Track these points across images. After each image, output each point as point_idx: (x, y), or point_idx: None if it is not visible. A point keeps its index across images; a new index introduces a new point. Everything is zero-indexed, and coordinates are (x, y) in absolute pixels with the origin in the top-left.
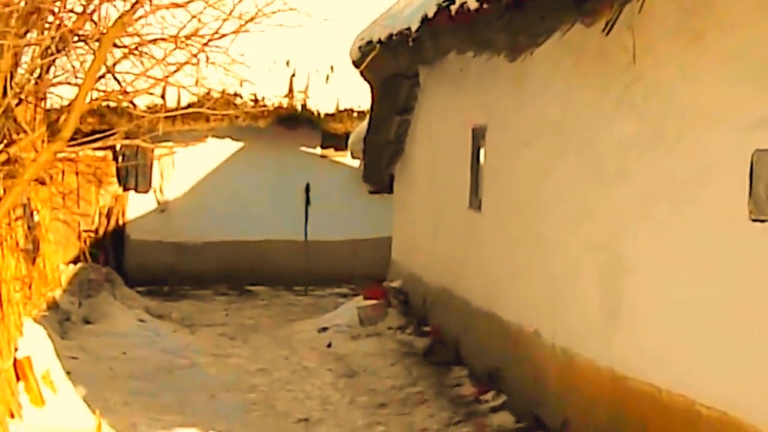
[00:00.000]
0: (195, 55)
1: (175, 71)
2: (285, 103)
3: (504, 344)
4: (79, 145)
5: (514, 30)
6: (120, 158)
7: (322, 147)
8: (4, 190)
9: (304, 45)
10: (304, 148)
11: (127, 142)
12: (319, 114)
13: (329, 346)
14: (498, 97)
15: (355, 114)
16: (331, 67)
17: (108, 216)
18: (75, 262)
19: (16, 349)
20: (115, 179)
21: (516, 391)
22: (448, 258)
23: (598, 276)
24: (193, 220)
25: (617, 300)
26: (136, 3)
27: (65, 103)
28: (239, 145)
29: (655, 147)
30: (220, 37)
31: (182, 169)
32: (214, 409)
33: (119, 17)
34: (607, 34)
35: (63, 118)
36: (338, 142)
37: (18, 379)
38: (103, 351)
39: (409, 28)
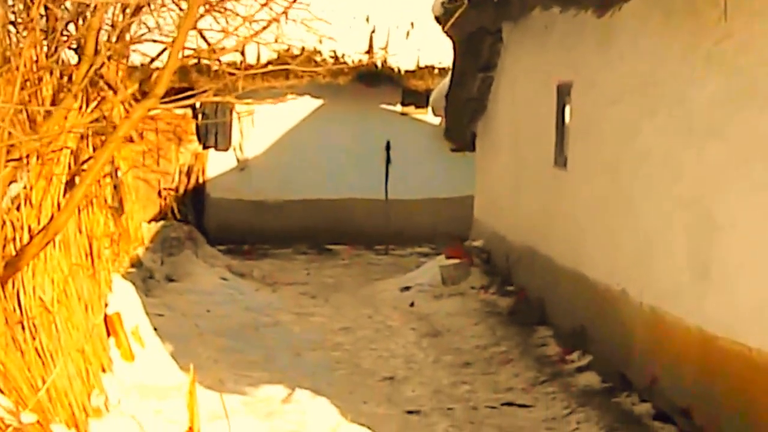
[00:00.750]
0: (283, 13)
1: (263, 29)
2: (365, 60)
3: (590, 303)
4: (170, 102)
5: None
6: (200, 116)
7: (403, 104)
8: (94, 149)
9: (384, 1)
10: (384, 106)
11: (217, 99)
12: (399, 71)
13: (412, 305)
14: (584, 54)
15: (435, 71)
16: (412, 23)
17: (188, 174)
18: (155, 220)
19: (106, 305)
20: (194, 137)
21: (602, 351)
22: (532, 216)
23: (688, 234)
24: (273, 178)
25: (708, 259)
26: None
27: (145, 60)
28: (319, 102)
29: (749, 104)
30: None
31: (262, 127)
32: (299, 366)
33: None
34: None
35: (155, 75)
36: (419, 99)
37: (108, 334)
38: (187, 308)
39: None
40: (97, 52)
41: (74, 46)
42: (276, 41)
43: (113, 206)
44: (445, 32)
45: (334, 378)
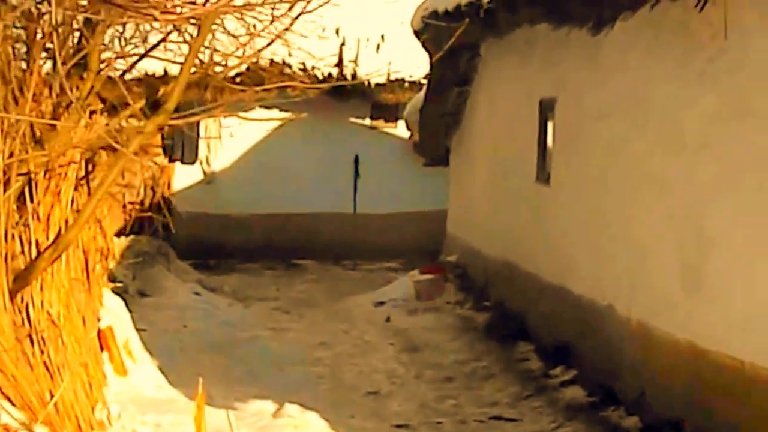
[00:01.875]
0: (287, 29)
1: (267, 45)
2: (335, 73)
3: (575, 318)
4: (180, 117)
5: (600, 3)
6: (166, 128)
7: (372, 118)
8: (93, 165)
9: (353, 13)
10: (353, 119)
11: (225, 114)
12: (369, 84)
13: (388, 320)
14: (569, 70)
15: (406, 84)
16: (382, 36)
17: (153, 188)
18: (122, 234)
19: (98, 320)
20: (160, 150)
21: (587, 365)
22: (511, 231)
23: (678, 249)
24: (240, 192)
25: (699, 273)
26: None
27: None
28: (287, 115)
29: (742, 121)
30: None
31: (229, 140)
32: (283, 381)
33: None
34: (701, 10)
35: (162, 90)
36: (388, 112)
37: (102, 348)
38: (164, 324)
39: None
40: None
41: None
42: (253, 54)
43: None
44: (424, 46)
45: (319, 393)
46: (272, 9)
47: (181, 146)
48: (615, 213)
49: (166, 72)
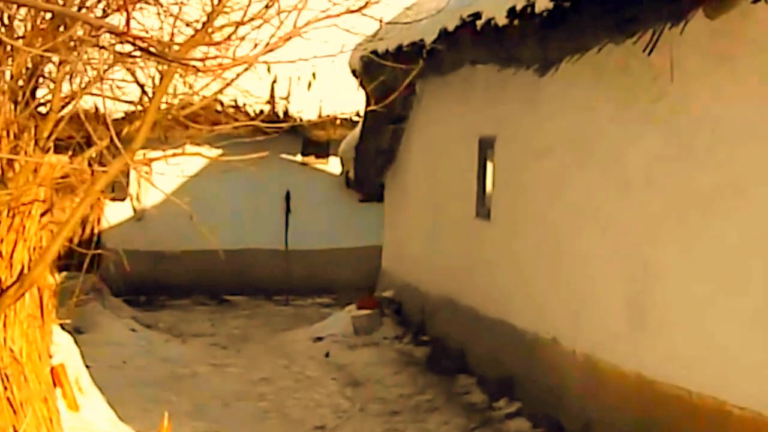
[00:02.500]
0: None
1: (231, 82)
2: (266, 109)
3: (518, 351)
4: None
5: (546, 46)
6: (96, 165)
7: (303, 154)
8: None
9: (285, 50)
10: (284, 155)
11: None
12: (300, 121)
13: (327, 355)
14: (509, 109)
15: (337, 121)
16: (314, 74)
17: (83, 224)
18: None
19: (50, 356)
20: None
21: (531, 397)
22: (450, 267)
23: (623, 284)
24: (171, 228)
25: (644, 307)
26: (208, 22)
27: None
28: (218, 152)
29: (685, 160)
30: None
31: (159, 176)
32: (231, 416)
33: (193, 35)
34: (650, 53)
35: (126, 129)
36: (319, 149)
37: (54, 384)
38: (103, 360)
39: (423, 40)
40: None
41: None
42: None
43: None
44: (361, 85)
45: (266, 427)
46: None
47: (111, 183)
48: (558, 248)
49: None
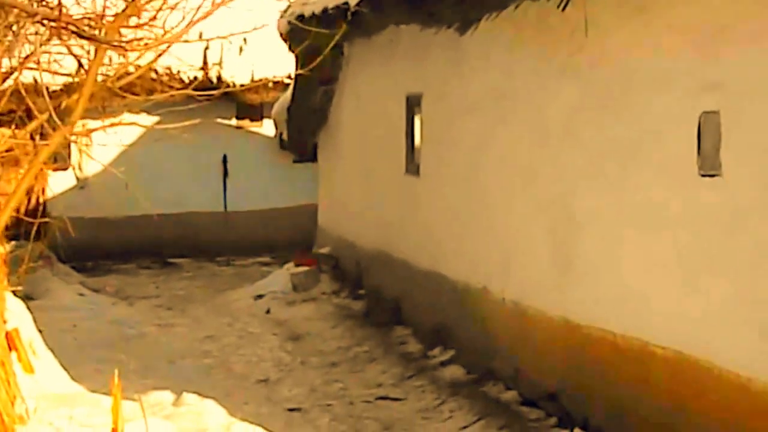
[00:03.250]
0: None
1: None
2: (200, 75)
3: (450, 301)
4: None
5: (466, 5)
6: (37, 137)
7: (238, 118)
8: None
9: (216, 16)
10: (220, 120)
11: (132, 123)
12: (234, 86)
13: (268, 312)
14: (434, 67)
15: (270, 84)
16: (245, 39)
17: (29, 195)
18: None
19: (5, 322)
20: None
21: (465, 345)
22: (383, 222)
23: (548, 233)
24: (113, 195)
25: (569, 254)
26: None
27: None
28: (155, 119)
29: (603, 111)
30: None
31: (100, 145)
32: (177, 373)
33: (124, 10)
34: (563, 9)
35: (65, 102)
36: (254, 112)
37: (9, 349)
38: (54, 324)
39: (347, 3)
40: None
41: None
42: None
43: None
44: (290, 49)
45: (212, 382)
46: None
47: (53, 154)
48: (486, 201)
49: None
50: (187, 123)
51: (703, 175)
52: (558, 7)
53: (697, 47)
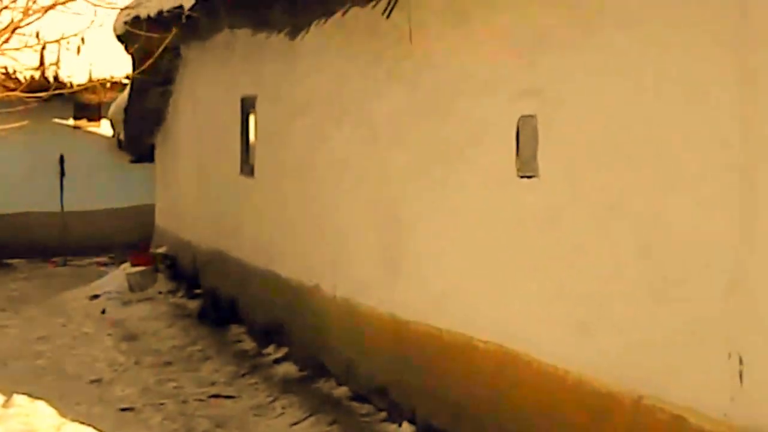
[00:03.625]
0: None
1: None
2: (37, 75)
3: (283, 300)
4: None
5: (295, 11)
6: None
7: (75, 118)
8: None
9: (53, 16)
10: (57, 120)
11: None
12: (71, 85)
13: (104, 312)
14: (268, 70)
15: (108, 84)
16: (82, 39)
17: None
18: None
19: None
20: None
21: (298, 343)
22: (219, 222)
23: (377, 232)
24: None
25: (397, 253)
26: None
27: None
28: None
29: (429, 115)
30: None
31: None
32: (7, 375)
33: None
34: (388, 16)
35: None
36: (91, 112)
37: None
38: None
39: (181, 6)
40: None
41: None
42: None
43: None
44: (126, 50)
45: (44, 384)
46: None
47: None
48: (318, 201)
49: None
50: (16, 124)
51: (521, 177)
52: (383, 14)
53: (517, 54)
